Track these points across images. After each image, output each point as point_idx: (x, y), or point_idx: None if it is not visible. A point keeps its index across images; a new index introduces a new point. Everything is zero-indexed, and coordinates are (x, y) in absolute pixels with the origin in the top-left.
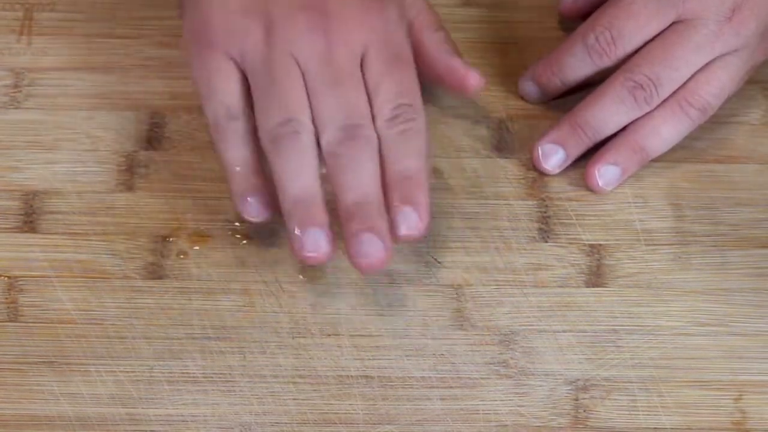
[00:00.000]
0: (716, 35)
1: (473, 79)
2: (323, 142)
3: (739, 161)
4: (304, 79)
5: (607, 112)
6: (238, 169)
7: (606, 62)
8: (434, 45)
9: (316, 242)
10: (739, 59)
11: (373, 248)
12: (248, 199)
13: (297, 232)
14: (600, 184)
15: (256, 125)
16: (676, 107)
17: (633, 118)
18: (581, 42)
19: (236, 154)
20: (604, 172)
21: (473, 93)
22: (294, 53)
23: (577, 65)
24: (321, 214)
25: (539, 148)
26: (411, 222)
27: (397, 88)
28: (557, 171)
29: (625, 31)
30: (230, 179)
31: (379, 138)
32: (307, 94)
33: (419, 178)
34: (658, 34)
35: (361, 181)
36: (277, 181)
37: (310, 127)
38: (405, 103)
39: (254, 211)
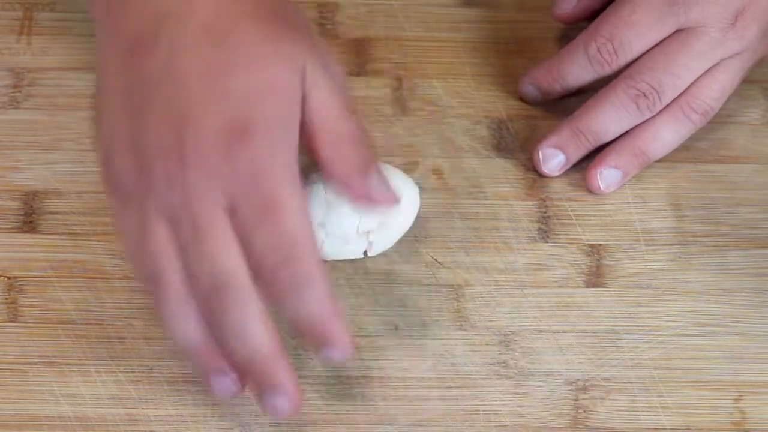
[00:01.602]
0: (719, 42)
1: (377, 195)
2: (196, 301)
3: (739, 161)
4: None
5: (608, 118)
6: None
7: (607, 71)
8: (331, 160)
9: (223, 388)
10: (740, 61)
11: (278, 402)
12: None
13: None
14: (601, 187)
15: None
16: (678, 112)
17: (634, 123)
18: (583, 51)
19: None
20: (606, 176)
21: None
22: (156, 204)
23: (578, 73)
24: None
25: (539, 151)
26: (335, 360)
27: (270, 241)
28: (557, 174)
29: (626, 41)
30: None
31: (262, 290)
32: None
33: (327, 319)
34: (660, 42)
35: (245, 341)
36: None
37: (178, 279)
38: (282, 257)
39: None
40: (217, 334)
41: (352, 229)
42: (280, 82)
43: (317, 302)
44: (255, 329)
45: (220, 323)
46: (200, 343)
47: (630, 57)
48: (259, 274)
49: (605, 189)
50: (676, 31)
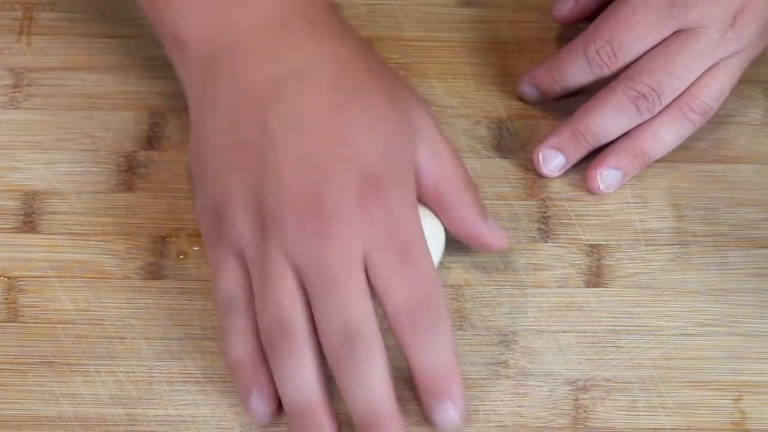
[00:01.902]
0: (718, 42)
1: (498, 241)
2: (324, 350)
3: (739, 161)
4: (301, 281)
5: (608, 120)
6: (238, 363)
7: (606, 73)
8: (457, 207)
9: None
10: (739, 60)
11: None
12: (252, 394)
13: None
14: (601, 187)
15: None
16: (677, 112)
17: (634, 124)
18: (582, 54)
19: (235, 348)
20: (606, 176)
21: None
22: (286, 255)
23: (577, 74)
24: (318, 422)
25: (539, 153)
26: (448, 416)
27: (410, 286)
28: (557, 175)
29: (625, 43)
30: (232, 374)
31: (398, 336)
32: (307, 295)
33: (450, 371)
34: (660, 42)
35: (368, 392)
36: (276, 385)
37: (306, 330)
38: (422, 300)
39: (257, 407)
40: (341, 384)
41: None
42: (398, 135)
43: (446, 350)
44: (381, 381)
45: (346, 374)
46: (316, 398)
47: (629, 59)
48: (397, 319)
49: (605, 189)
50: (675, 32)
